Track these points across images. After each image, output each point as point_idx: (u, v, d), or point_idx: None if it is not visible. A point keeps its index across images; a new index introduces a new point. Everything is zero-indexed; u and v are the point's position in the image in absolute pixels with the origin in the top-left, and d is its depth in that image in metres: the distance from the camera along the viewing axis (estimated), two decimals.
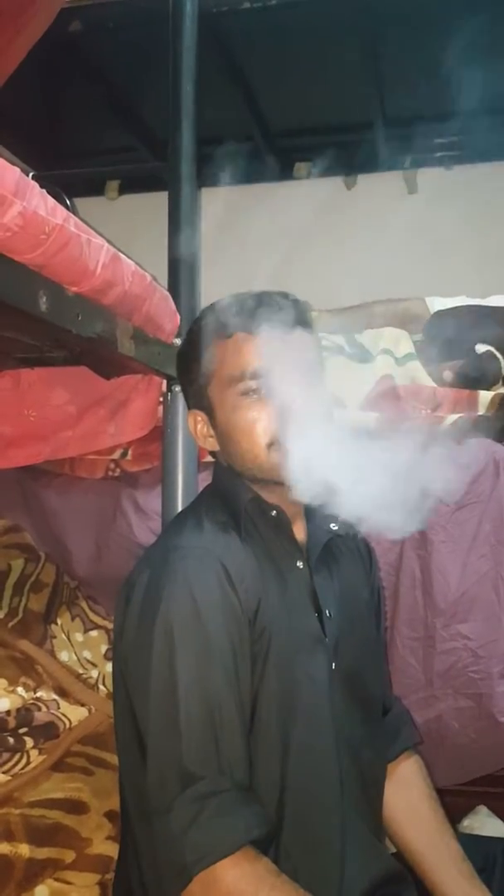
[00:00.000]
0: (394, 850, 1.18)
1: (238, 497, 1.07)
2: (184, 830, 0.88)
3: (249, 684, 0.97)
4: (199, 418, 1.10)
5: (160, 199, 1.58)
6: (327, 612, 1.07)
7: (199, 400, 1.10)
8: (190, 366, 1.10)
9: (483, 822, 1.67)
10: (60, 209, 0.94)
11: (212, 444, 1.10)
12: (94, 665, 1.63)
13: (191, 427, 1.12)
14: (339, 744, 1.04)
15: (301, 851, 0.99)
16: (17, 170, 0.86)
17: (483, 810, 1.70)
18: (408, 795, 1.18)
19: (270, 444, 1.02)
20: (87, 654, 1.65)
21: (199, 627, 0.94)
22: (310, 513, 1.13)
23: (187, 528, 1.07)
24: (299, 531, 1.11)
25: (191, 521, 1.08)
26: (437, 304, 1.96)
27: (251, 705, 0.98)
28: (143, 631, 0.96)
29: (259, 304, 1.03)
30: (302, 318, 1.06)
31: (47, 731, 1.37)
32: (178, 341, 1.41)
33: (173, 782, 0.90)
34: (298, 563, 1.08)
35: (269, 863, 0.91)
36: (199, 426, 1.11)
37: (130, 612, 1.00)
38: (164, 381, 1.46)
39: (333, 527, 1.13)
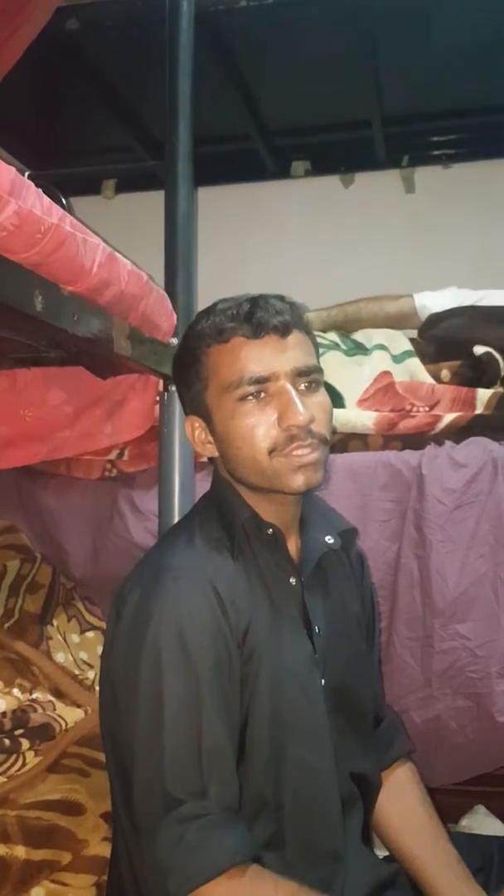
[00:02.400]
0: (385, 853, 1.18)
1: (234, 514, 1.06)
2: (167, 854, 0.87)
3: (239, 706, 0.97)
4: (197, 424, 1.09)
5: (157, 198, 1.58)
6: (317, 628, 1.07)
7: (196, 405, 1.08)
8: (186, 371, 1.08)
9: (481, 822, 1.67)
10: (56, 208, 0.94)
11: (210, 450, 1.08)
12: (91, 666, 1.63)
13: (188, 433, 1.10)
14: (336, 757, 1.04)
15: (305, 864, 0.98)
16: (13, 169, 0.85)
17: (481, 809, 1.70)
18: (402, 801, 1.18)
19: (272, 451, 1.00)
20: (83, 656, 1.65)
21: (186, 653, 0.93)
22: (305, 524, 1.13)
23: (179, 545, 1.05)
24: (293, 545, 1.11)
25: (183, 538, 1.07)
26: (426, 303, 1.96)
27: (242, 725, 0.97)
28: (132, 653, 0.96)
29: (256, 308, 1.02)
30: (299, 321, 1.05)
31: (43, 733, 1.37)
32: (174, 341, 1.41)
33: (157, 805, 0.90)
34: (291, 580, 1.07)
35: (255, 874, 0.90)
36: (196, 432, 1.09)
37: (120, 630, 0.99)
38: (161, 381, 1.46)
39: (329, 540, 1.12)
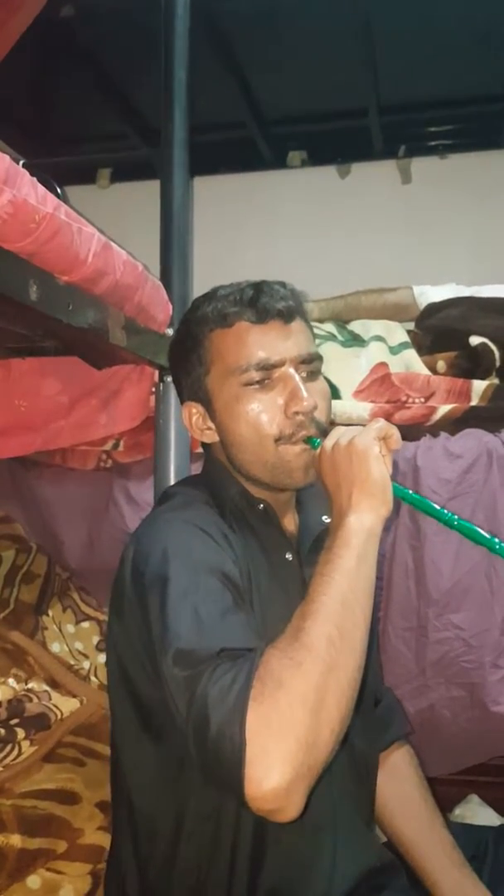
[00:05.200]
0: (384, 839, 1.18)
1: (224, 489, 1.06)
2: (205, 715, 0.77)
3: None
4: (195, 410, 1.08)
5: (152, 187, 1.57)
6: None
7: (195, 391, 1.07)
8: (186, 356, 1.07)
9: (474, 811, 1.68)
10: (51, 197, 0.93)
11: (210, 435, 1.08)
12: (86, 656, 1.63)
13: (185, 419, 1.10)
14: None
15: (291, 842, 0.98)
16: (7, 157, 0.85)
17: (474, 799, 1.71)
18: (399, 785, 1.18)
19: (278, 440, 1.00)
20: (78, 646, 1.65)
21: (191, 547, 0.93)
22: (301, 504, 1.13)
23: (175, 502, 1.06)
24: (290, 523, 1.11)
25: (178, 499, 1.07)
26: (426, 292, 1.96)
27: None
28: (136, 576, 0.94)
29: (260, 293, 1.02)
30: (301, 307, 1.06)
31: (39, 723, 1.37)
32: (170, 331, 1.40)
33: (194, 664, 0.81)
34: (287, 555, 1.07)
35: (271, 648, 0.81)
36: (194, 418, 1.09)
37: (125, 577, 0.97)
38: (157, 372, 1.46)
39: (325, 519, 1.12)
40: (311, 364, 1.03)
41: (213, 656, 0.81)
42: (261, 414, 1.00)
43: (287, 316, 1.02)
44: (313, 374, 1.04)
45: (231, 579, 0.92)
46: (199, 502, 1.05)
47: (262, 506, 1.06)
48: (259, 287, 1.03)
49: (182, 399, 1.12)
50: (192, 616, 0.85)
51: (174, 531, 0.96)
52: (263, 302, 1.01)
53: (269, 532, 1.07)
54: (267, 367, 1.01)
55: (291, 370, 1.01)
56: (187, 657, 0.82)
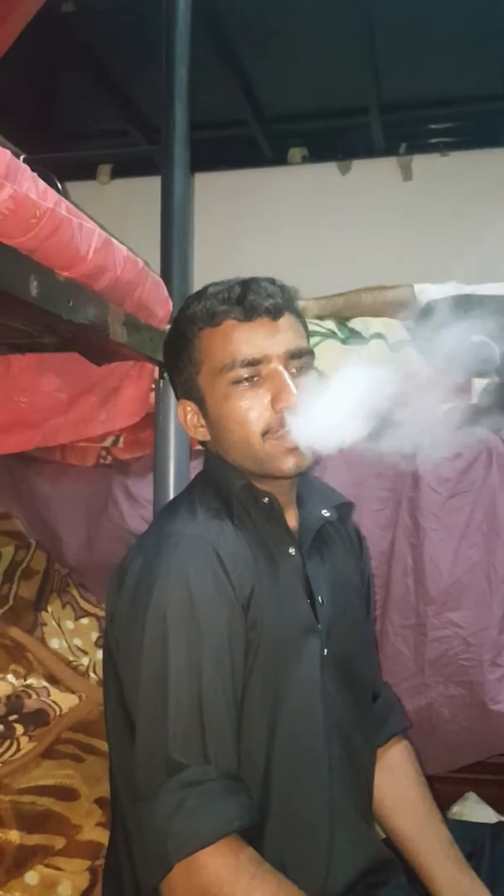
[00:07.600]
0: (382, 836, 1.18)
1: (230, 484, 1.06)
2: (167, 819, 0.88)
3: (242, 672, 0.97)
4: (189, 408, 1.09)
5: (153, 183, 1.57)
6: (319, 598, 1.07)
7: (188, 389, 1.08)
8: (178, 354, 1.08)
9: (472, 809, 1.68)
10: (52, 193, 0.93)
11: (203, 433, 1.09)
12: (85, 652, 1.63)
13: (180, 417, 1.11)
14: (328, 729, 1.04)
15: (287, 837, 0.99)
16: (8, 152, 0.84)
17: (472, 797, 1.71)
18: (396, 781, 1.18)
19: (265, 433, 1.01)
20: (77, 642, 1.65)
21: (191, 616, 0.94)
22: (301, 500, 1.13)
23: (181, 514, 1.06)
24: (291, 518, 1.11)
25: (184, 508, 1.07)
26: (426, 290, 1.96)
27: (240, 691, 0.98)
28: (135, 618, 0.96)
29: (248, 291, 1.02)
30: (290, 303, 1.06)
31: (37, 719, 1.37)
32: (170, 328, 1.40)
33: (159, 770, 0.90)
34: (291, 550, 1.08)
35: (252, 852, 0.90)
36: (188, 416, 1.10)
37: (122, 598, 0.99)
38: (157, 368, 1.45)
39: (325, 513, 1.13)
40: (300, 359, 1.04)
41: (200, 767, 0.89)
42: (249, 411, 1.01)
43: (274, 313, 1.02)
44: (303, 370, 1.04)
45: (232, 628, 0.95)
46: (204, 509, 1.05)
47: (267, 499, 1.06)
48: (247, 284, 1.03)
49: (177, 396, 1.12)
50: (188, 705, 0.91)
51: (175, 585, 0.95)
52: (251, 300, 1.01)
53: (272, 527, 1.07)
54: (253, 364, 1.01)
55: (280, 367, 1.01)
56: (178, 749, 0.90)
